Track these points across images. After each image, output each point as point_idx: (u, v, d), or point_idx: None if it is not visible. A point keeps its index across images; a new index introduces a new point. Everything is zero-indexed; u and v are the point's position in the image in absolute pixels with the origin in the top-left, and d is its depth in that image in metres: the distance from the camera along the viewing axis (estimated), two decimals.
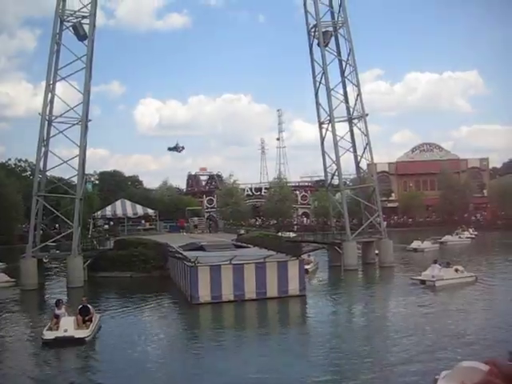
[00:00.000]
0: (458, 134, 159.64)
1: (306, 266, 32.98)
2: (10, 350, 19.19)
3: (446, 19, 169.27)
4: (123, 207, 59.07)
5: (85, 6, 36.10)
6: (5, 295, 31.50)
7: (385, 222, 47.85)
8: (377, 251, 41.84)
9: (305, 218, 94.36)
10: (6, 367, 16.87)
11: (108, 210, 59.03)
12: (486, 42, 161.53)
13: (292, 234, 59.12)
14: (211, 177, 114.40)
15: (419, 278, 30.59)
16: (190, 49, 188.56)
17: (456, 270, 30.49)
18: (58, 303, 20.78)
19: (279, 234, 58.17)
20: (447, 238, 60.80)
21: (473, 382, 7.95)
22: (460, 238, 61.63)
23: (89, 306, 20.99)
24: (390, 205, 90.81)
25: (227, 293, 26.46)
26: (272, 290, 27.14)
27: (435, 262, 31.30)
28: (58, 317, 19.83)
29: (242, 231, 54.13)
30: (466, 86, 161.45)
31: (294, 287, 27.58)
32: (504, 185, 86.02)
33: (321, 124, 43.37)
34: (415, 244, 52.67)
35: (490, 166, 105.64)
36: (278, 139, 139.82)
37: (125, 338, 20.18)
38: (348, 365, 15.91)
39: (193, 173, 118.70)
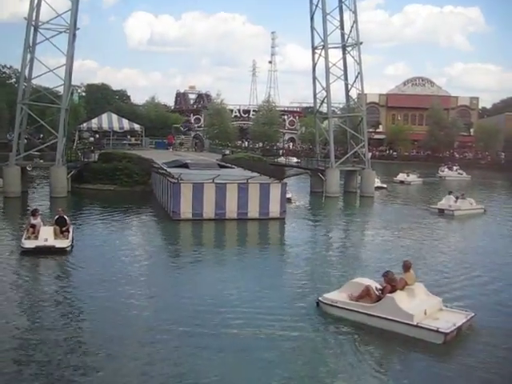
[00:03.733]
0: (452, 71, 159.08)
1: (288, 195, 33.46)
2: None
3: None
4: (109, 121, 58.55)
5: None
6: None
7: (370, 153, 48.21)
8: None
9: (291, 143, 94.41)
10: None
11: (94, 123, 58.49)
12: None
13: (294, 159, 59.08)
14: (200, 96, 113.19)
15: (437, 207, 32.85)
16: None
17: (470, 203, 33.08)
18: (35, 212, 20.63)
19: (282, 159, 58.31)
20: (447, 172, 62.12)
21: (357, 293, 11.15)
22: (459, 173, 62.33)
23: (65, 216, 20.93)
24: (376, 136, 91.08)
25: (208, 211, 26.83)
26: (253, 211, 27.55)
27: (450, 193, 33.69)
28: (34, 226, 19.86)
29: (227, 152, 54.18)
30: (466, 22, 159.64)
31: (274, 210, 28.01)
32: (490, 125, 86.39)
33: (314, 49, 42.81)
34: (401, 176, 53.38)
35: (480, 106, 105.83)
36: (270, 62, 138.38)
37: (104, 249, 20.53)
38: (309, 284, 16.46)
39: (181, 91, 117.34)
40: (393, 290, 12.76)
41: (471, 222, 31.33)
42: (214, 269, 18.44)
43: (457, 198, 32.84)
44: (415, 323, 11.98)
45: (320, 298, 13.78)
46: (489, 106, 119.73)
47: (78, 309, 13.94)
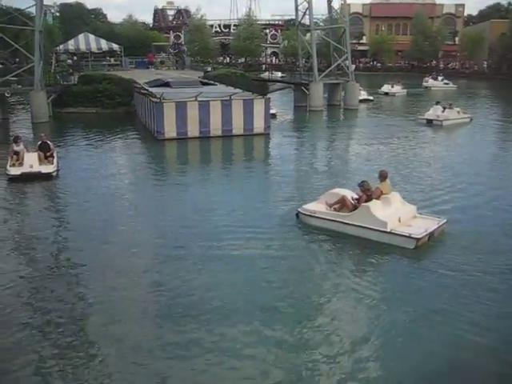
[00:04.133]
0: None
1: (273, 111, 33.39)
2: None
3: None
4: (86, 42, 56.95)
5: None
6: None
7: (353, 65, 47.66)
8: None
9: (273, 58, 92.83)
10: None
11: (71, 45, 56.85)
12: None
13: (280, 74, 58.01)
14: (179, 11, 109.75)
15: (425, 117, 32.93)
16: None
17: (458, 112, 33.32)
18: (17, 139, 20.37)
19: (266, 74, 57.39)
20: (432, 82, 61.63)
21: (332, 201, 11.90)
22: (445, 83, 61.87)
23: (48, 142, 20.80)
24: (360, 48, 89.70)
25: (193, 129, 26.77)
26: (237, 127, 27.55)
27: (437, 103, 33.79)
28: (17, 153, 19.71)
29: (209, 68, 53.27)
30: None
31: (259, 125, 28.01)
32: (475, 33, 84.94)
33: None
34: (386, 88, 53.04)
35: (466, 13, 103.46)
36: None
37: (89, 172, 20.49)
38: (291, 196, 16.83)
39: (160, 7, 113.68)
40: (368, 200, 13.11)
41: (458, 131, 31.51)
42: (199, 186, 18.62)
43: (444, 107, 32.83)
44: (389, 230, 12.45)
45: (299, 209, 14.12)
46: (475, 12, 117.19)
47: (66, 236, 14.17)
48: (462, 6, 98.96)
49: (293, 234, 13.28)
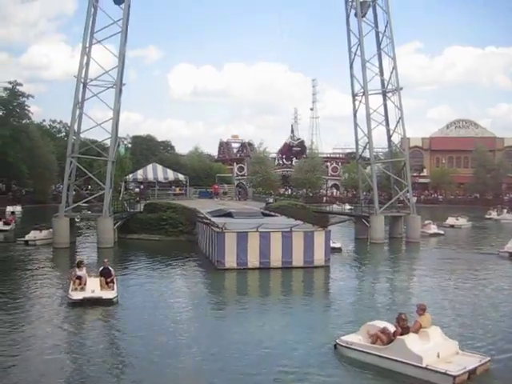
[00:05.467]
0: (496, 112, 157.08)
1: (338, 245, 33.61)
2: (39, 307, 19.54)
3: None
4: (154, 171, 59.80)
5: None
6: (39, 252, 32.64)
7: (414, 198, 47.63)
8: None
9: (334, 190, 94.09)
10: (35, 326, 17.35)
11: (139, 174, 59.84)
12: None
13: (348, 206, 56.99)
14: (242, 145, 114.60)
15: (506, 250, 32.08)
16: (228, 15, 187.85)
17: None
18: (80, 264, 21.08)
19: (335, 206, 57.53)
20: (503, 215, 61.43)
21: (371, 333, 12.21)
22: None
23: (110, 268, 21.30)
24: (421, 180, 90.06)
25: (253, 260, 26.82)
26: (297, 259, 27.41)
27: None
28: (80, 278, 20.25)
29: (271, 200, 54.28)
30: (508, 62, 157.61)
31: (319, 257, 27.82)
32: None
33: (354, 96, 43.03)
34: (451, 220, 52.38)
35: None
36: (311, 109, 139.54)
37: (149, 299, 20.70)
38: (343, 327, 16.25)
39: (224, 140, 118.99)
40: (405, 333, 12.83)
41: None
42: (258, 318, 18.33)
43: None
44: (424, 365, 11.95)
45: (337, 341, 13.99)
46: None
47: (125, 360, 14.04)
48: None
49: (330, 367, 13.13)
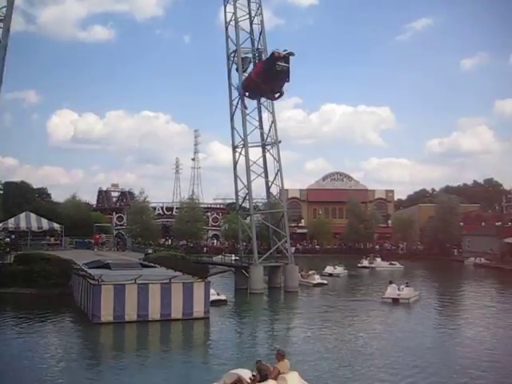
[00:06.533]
0: (368, 166, 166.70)
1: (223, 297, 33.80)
2: None
3: (365, 60, 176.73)
4: (27, 220, 56.87)
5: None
6: None
7: (293, 248, 48.91)
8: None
9: (215, 240, 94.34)
10: None
11: (11, 223, 56.60)
12: (400, 81, 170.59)
13: (234, 257, 54.88)
14: (123, 193, 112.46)
15: (390, 296, 34.09)
16: (113, 63, 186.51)
17: (414, 290, 36.12)
18: None
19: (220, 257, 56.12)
20: (378, 263, 64.73)
21: (229, 382, 11.97)
22: (391, 264, 64.09)
23: None
24: (299, 231, 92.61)
25: (130, 313, 26.08)
26: (177, 311, 27.04)
27: (390, 282, 35.64)
28: None
29: (150, 250, 53.39)
30: (378, 120, 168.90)
31: (198, 309, 27.62)
32: (406, 216, 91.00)
33: (235, 148, 43.90)
34: (329, 269, 53.87)
35: (395, 198, 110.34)
36: (193, 159, 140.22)
37: (17, 358, 19.46)
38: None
39: (104, 188, 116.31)
40: (263, 379, 12.93)
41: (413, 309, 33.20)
42: (134, 373, 17.74)
43: (398, 286, 34.63)
44: None
45: None
46: (404, 197, 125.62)
47: None
48: (392, 191, 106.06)
49: None
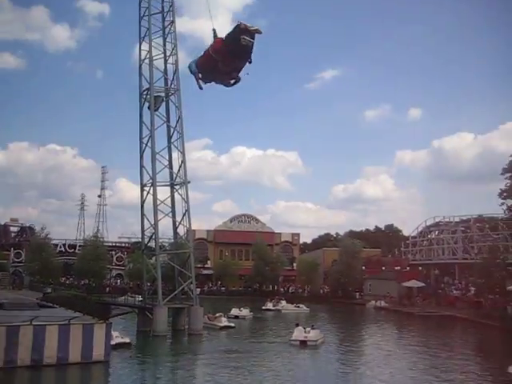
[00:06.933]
0: (275, 209, 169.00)
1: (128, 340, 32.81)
2: None
3: (275, 106, 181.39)
4: None
5: None
6: None
7: (198, 289, 48.38)
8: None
9: (118, 280, 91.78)
10: None
11: None
12: (308, 128, 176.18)
13: (139, 297, 49.32)
14: (23, 229, 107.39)
15: (297, 339, 34.42)
16: (20, 92, 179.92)
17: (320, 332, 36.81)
18: None
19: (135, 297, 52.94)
20: (284, 305, 65.60)
21: None
22: (297, 306, 65.08)
23: None
24: (205, 272, 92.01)
25: (24, 357, 24.61)
26: (75, 354, 25.84)
27: (297, 325, 36.59)
28: None
29: (49, 290, 51.17)
30: (286, 165, 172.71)
31: (98, 352, 26.52)
32: (311, 259, 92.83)
33: (143, 186, 43.32)
34: (234, 311, 53.42)
35: (301, 241, 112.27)
36: (99, 196, 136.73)
37: None
38: None
39: (2, 223, 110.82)
40: None
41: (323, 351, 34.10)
42: None
43: (305, 328, 35.26)
44: None
45: None
46: (309, 240, 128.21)
47: None
48: (298, 234, 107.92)
49: None
